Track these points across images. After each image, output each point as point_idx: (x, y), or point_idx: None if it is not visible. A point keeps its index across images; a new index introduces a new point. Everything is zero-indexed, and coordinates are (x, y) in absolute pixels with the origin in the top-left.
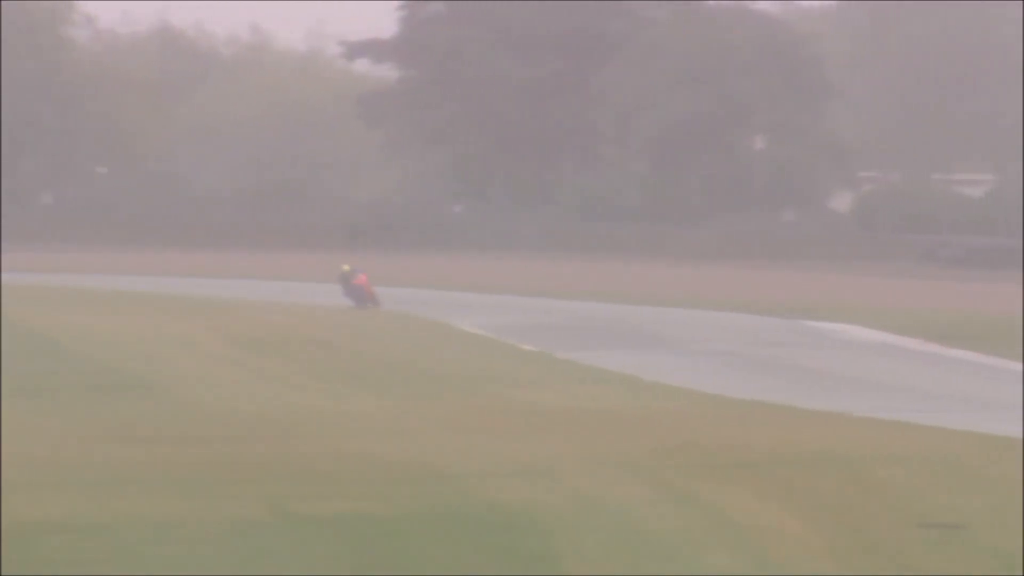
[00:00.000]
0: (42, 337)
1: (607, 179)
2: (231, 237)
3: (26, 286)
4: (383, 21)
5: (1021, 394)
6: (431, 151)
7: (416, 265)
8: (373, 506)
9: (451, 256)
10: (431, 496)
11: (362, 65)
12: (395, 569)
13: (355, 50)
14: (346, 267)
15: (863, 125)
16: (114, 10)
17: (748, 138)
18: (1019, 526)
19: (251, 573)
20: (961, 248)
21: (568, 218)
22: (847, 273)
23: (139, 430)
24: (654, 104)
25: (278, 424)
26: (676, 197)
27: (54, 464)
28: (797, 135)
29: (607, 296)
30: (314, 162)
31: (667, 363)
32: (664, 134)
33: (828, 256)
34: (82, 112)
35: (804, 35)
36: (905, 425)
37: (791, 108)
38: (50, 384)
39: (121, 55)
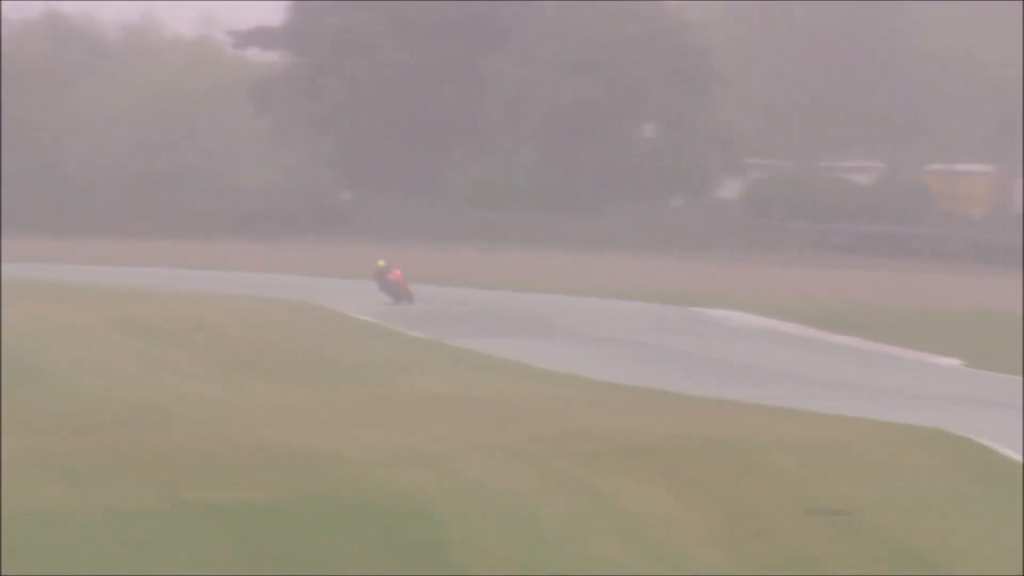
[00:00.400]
0: None
1: (497, 167)
2: (121, 225)
3: None
4: (272, 8)
5: (911, 380)
6: (320, 138)
7: (306, 252)
8: (263, 494)
9: (341, 244)
10: (321, 483)
11: (252, 52)
12: (284, 556)
13: (244, 38)
14: (381, 263)
15: (752, 113)
16: None
17: (637, 126)
18: (903, 511)
19: (141, 561)
20: (850, 235)
21: (458, 206)
22: (736, 261)
23: (30, 419)
24: (544, 91)
25: (170, 412)
26: (566, 185)
27: None
28: (686, 123)
29: (497, 284)
30: (204, 150)
31: (557, 351)
32: (554, 122)
33: (717, 244)
34: None
35: (693, 23)
36: (794, 412)
37: (680, 96)
38: None
39: (9, 42)
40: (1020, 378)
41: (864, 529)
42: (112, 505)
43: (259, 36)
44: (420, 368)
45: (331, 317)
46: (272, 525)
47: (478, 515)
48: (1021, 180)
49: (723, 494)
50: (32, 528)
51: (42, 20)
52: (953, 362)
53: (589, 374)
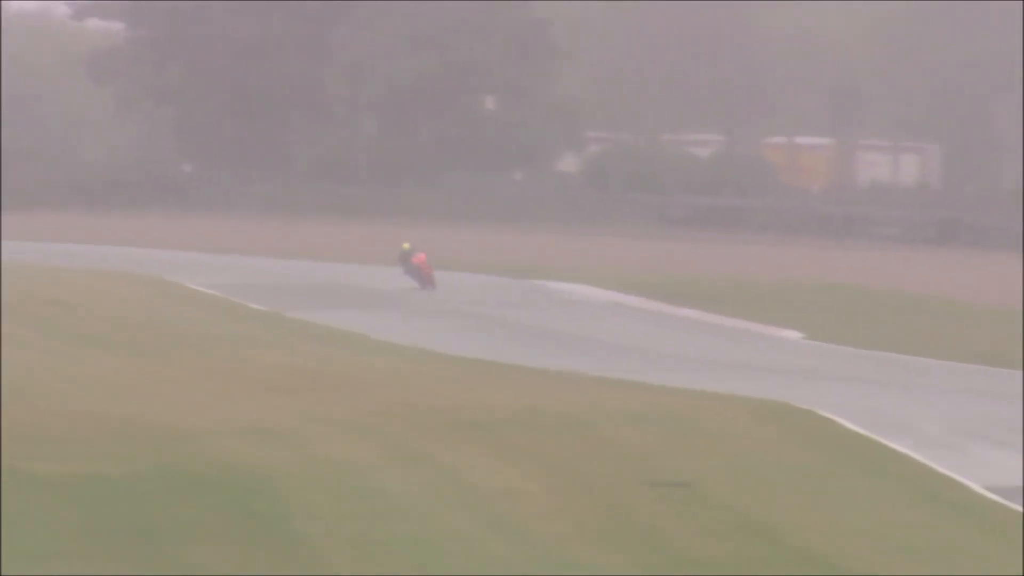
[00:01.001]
0: None
1: (338, 139)
2: None
3: None
4: None
5: (752, 353)
6: (160, 110)
7: (146, 225)
8: (104, 466)
9: (181, 216)
10: (162, 456)
11: (93, 24)
12: (127, 528)
13: (84, 10)
14: (406, 245)
15: (592, 86)
16: None
17: (478, 99)
18: (746, 483)
19: None
20: (690, 208)
21: (299, 179)
22: (577, 233)
23: None
24: (385, 64)
25: (7, 384)
26: (407, 158)
27: None
28: (526, 96)
29: (339, 256)
30: (44, 122)
31: (398, 323)
32: (394, 94)
33: (557, 216)
34: None
35: None
36: (636, 385)
37: (521, 69)
38: None
39: None
40: (859, 350)
41: (707, 501)
42: None
43: (99, 7)
44: (263, 341)
45: (175, 290)
46: (115, 497)
47: (322, 488)
48: (860, 153)
49: (566, 467)
50: None
51: None
52: (794, 334)
53: (433, 347)
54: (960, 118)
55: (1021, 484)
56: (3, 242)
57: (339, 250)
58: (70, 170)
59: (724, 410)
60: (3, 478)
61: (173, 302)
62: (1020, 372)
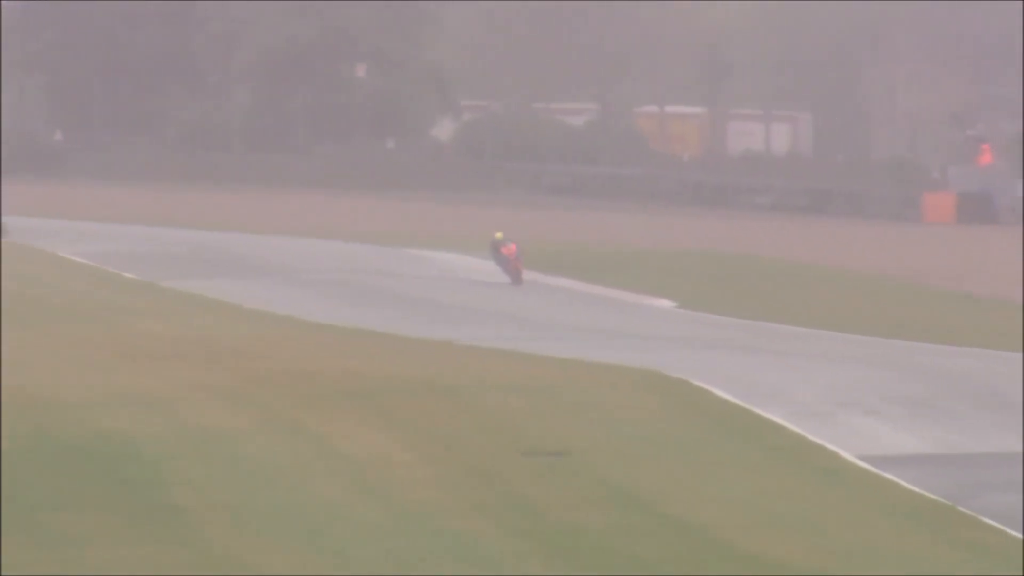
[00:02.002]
0: None
1: (210, 107)
2: None
3: None
4: None
5: (626, 321)
6: (31, 78)
7: (18, 193)
8: None
9: (53, 184)
10: (37, 425)
11: None
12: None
13: None
14: (499, 235)
15: (465, 54)
16: None
17: (351, 67)
18: (620, 452)
19: None
20: (563, 176)
21: (172, 147)
22: (450, 202)
23: None
24: (256, 32)
25: None
26: (279, 126)
27: None
28: (399, 64)
29: (212, 225)
30: None
31: (272, 292)
32: (267, 62)
33: (431, 185)
34: None
35: None
36: (510, 353)
37: (393, 37)
38: None
39: None
40: (732, 319)
41: (580, 471)
42: None
43: None
44: (136, 310)
45: (47, 259)
46: None
47: (196, 456)
48: (731, 122)
49: (440, 436)
50: None
51: None
52: (666, 303)
53: (305, 315)
54: (830, 88)
55: (899, 454)
56: None
57: (213, 218)
58: None
59: (598, 379)
60: None
61: (45, 271)
62: (892, 341)
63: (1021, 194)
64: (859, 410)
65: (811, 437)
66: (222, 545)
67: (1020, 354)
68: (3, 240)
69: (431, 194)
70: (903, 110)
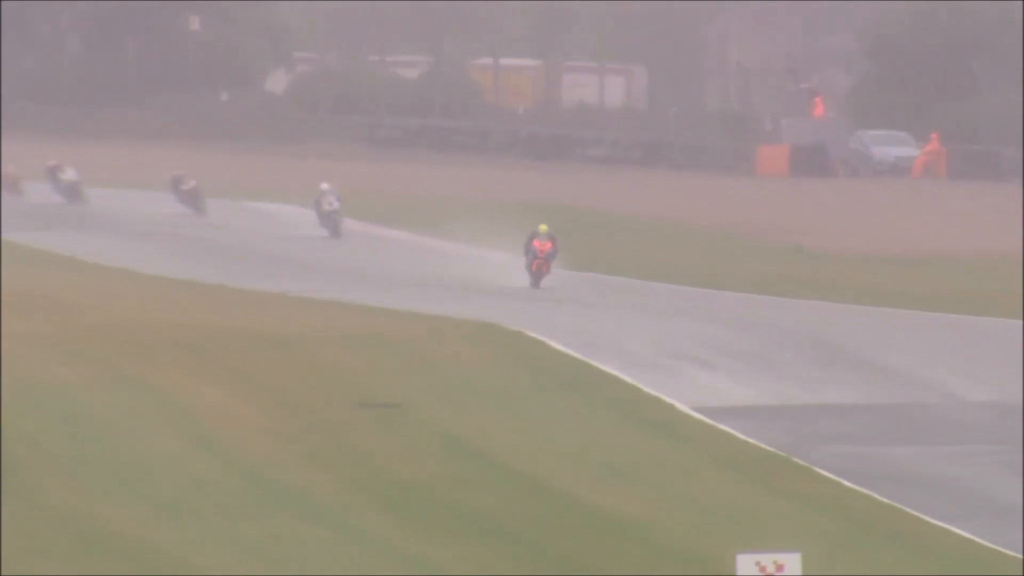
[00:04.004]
0: None
1: (42, 59)
2: None
3: None
4: None
5: (462, 274)
6: None
7: None
8: None
9: None
10: None
11: None
12: None
13: None
14: (543, 227)
15: (299, 6)
16: None
17: (184, 19)
18: (455, 404)
19: None
20: (398, 129)
21: (3, 98)
22: (284, 154)
23: None
24: None
25: None
26: (112, 77)
27: None
28: (233, 16)
29: (43, 177)
30: None
31: (107, 244)
32: (99, 14)
33: (265, 137)
34: None
35: None
36: (345, 305)
37: None
38: None
39: None
40: (569, 271)
41: (416, 422)
42: None
43: None
44: None
45: None
46: None
47: (31, 410)
48: (566, 75)
49: (276, 388)
50: None
51: None
52: (503, 255)
53: (141, 268)
54: (665, 41)
55: (734, 405)
56: None
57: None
58: None
59: (434, 332)
60: None
61: None
62: (727, 293)
63: (854, 147)
64: (694, 362)
65: (647, 389)
66: (59, 498)
67: (853, 306)
68: None
69: (265, 146)
70: (737, 62)
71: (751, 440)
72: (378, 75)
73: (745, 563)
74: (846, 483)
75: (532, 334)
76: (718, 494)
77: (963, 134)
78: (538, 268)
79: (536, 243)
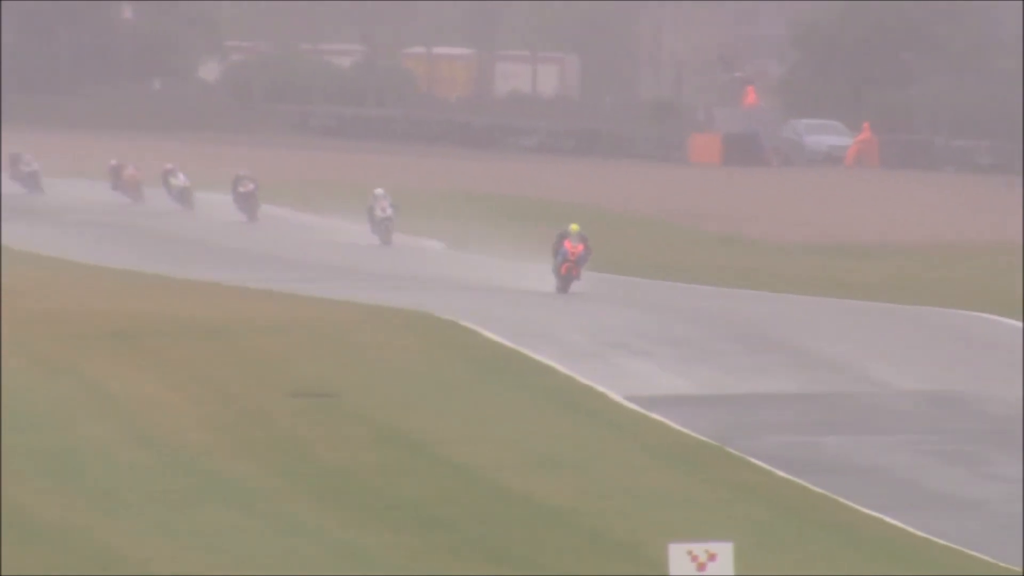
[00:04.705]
0: None
1: None
2: None
3: None
4: None
5: (396, 263)
6: None
7: None
8: None
9: None
10: None
11: None
12: None
13: None
14: (574, 226)
15: None
16: None
17: (116, 7)
18: (389, 393)
19: None
20: (331, 118)
21: None
22: (219, 143)
23: None
24: None
25: None
26: (44, 66)
27: None
28: (164, 5)
29: None
30: None
31: (39, 233)
32: (31, 2)
33: (199, 126)
34: None
35: None
36: (278, 295)
37: None
38: None
39: None
40: (502, 261)
41: (349, 412)
42: None
43: None
44: None
45: None
46: None
47: None
48: (499, 64)
49: (209, 377)
50: None
51: None
52: (436, 244)
53: (74, 257)
54: (598, 30)
55: (668, 394)
56: None
57: None
58: None
59: (366, 321)
60: None
61: None
62: (661, 282)
63: (787, 136)
64: (628, 351)
65: (580, 378)
66: None
67: (787, 296)
68: None
69: (200, 135)
70: (670, 52)
71: (685, 430)
72: (311, 64)
73: (677, 553)
74: (779, 473)
75: (465, 323)
76: (651, 484)
77: (895, 123)
78: (567, 272)
79: (567, 244)
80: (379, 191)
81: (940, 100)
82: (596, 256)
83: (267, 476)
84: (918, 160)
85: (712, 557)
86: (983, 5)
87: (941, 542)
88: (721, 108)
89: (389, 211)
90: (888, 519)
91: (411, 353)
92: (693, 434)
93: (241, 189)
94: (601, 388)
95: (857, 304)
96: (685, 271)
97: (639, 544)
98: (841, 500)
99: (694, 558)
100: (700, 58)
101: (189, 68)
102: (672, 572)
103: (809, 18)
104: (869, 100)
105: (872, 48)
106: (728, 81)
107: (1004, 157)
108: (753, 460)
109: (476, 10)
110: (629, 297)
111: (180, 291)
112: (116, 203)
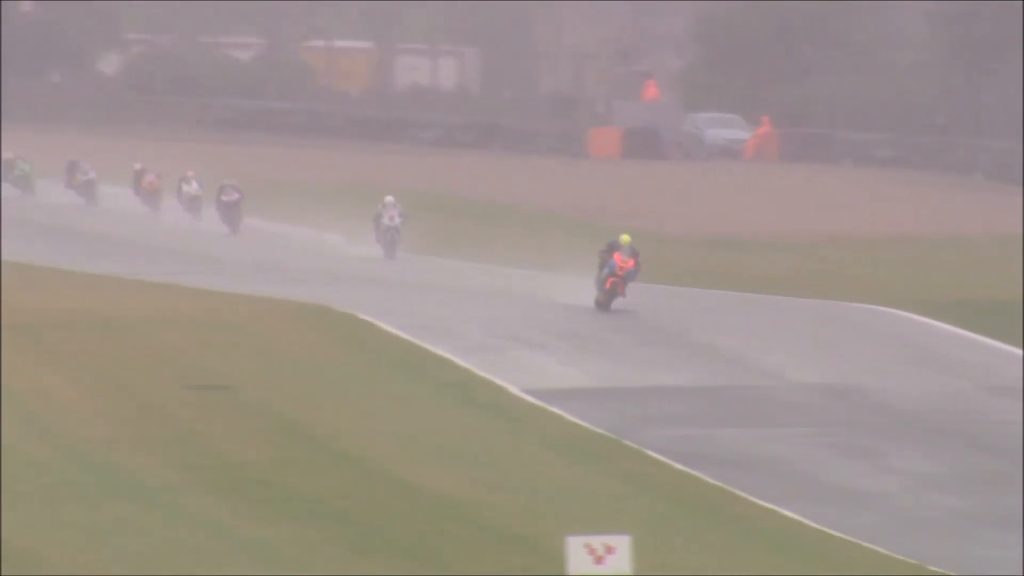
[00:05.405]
0: None
1: None
2: None
3: None
4: None
5: (294, 257)
6: None
7: None
8: None
9: None
10: None
11: None
12: None
13: None
14: (625, 237)
15: None
16: None
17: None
18: (285, 386)
19: None
20: (231, 111)
21: None
22: (118, 136)
23: None
24: None
25: None
26: None
27: None
28: None
29: None
30: None
31: None
32: None
33: (98, 119)
34: None
35: None
36: (174, 287)
37: None
38: None
39: None
40: (402, 254)
41: (246, 404)
42: None
43: None
44: None
45: None
46: None
47: None
48: (399, 57)
49: (107, 370)
50: None
51: None
52: (335, 238)
53: None
54: (498, 23)
55: (564, 387)
56: None
57: None
58: None
59: (263, 314)
60: None
61: None
62: (559, 276)
63: (687, 129)
64: (525, 344)
65: (478, 371)
66: None
67: (684, 288)
68: None
69: (100, 128)
70: (570, 45)
71: (581, 422)
72: (211, 57)
73: (575, 545)
74: (676, 465)
75: (363, 316)
76: (548, 476)
77: (794, 117)
78: (612, 287)
79: (617, 257)
80: (389, 199)
81: (838, 94)
82: (495, 249)
83: (165, 470)
84: (817, 154)
85: (610, 550)
86: (880, 3)
87: (837, 534)
88: (621, 102)
89: (397, 220)
90: (784, 511)
91: (308, 345)
92: (590, 426)
93: (224, 198)
94: (498, 381)
95: (753, 297)
96: (582, 265)
97: (537, 537)
98: (737, 492)
99: (592, 551)
100: (600, 52)
101: (89, 61)
102: (570, 564)
103: (709, 13)
104: (768, 94)
105: (771, 43)
106: (627, 75)
107: (902, 150)
108: (649, 452)
109: (376, 3)
110: (526, 290)
111: (75, 283)
112: (11, 197)
